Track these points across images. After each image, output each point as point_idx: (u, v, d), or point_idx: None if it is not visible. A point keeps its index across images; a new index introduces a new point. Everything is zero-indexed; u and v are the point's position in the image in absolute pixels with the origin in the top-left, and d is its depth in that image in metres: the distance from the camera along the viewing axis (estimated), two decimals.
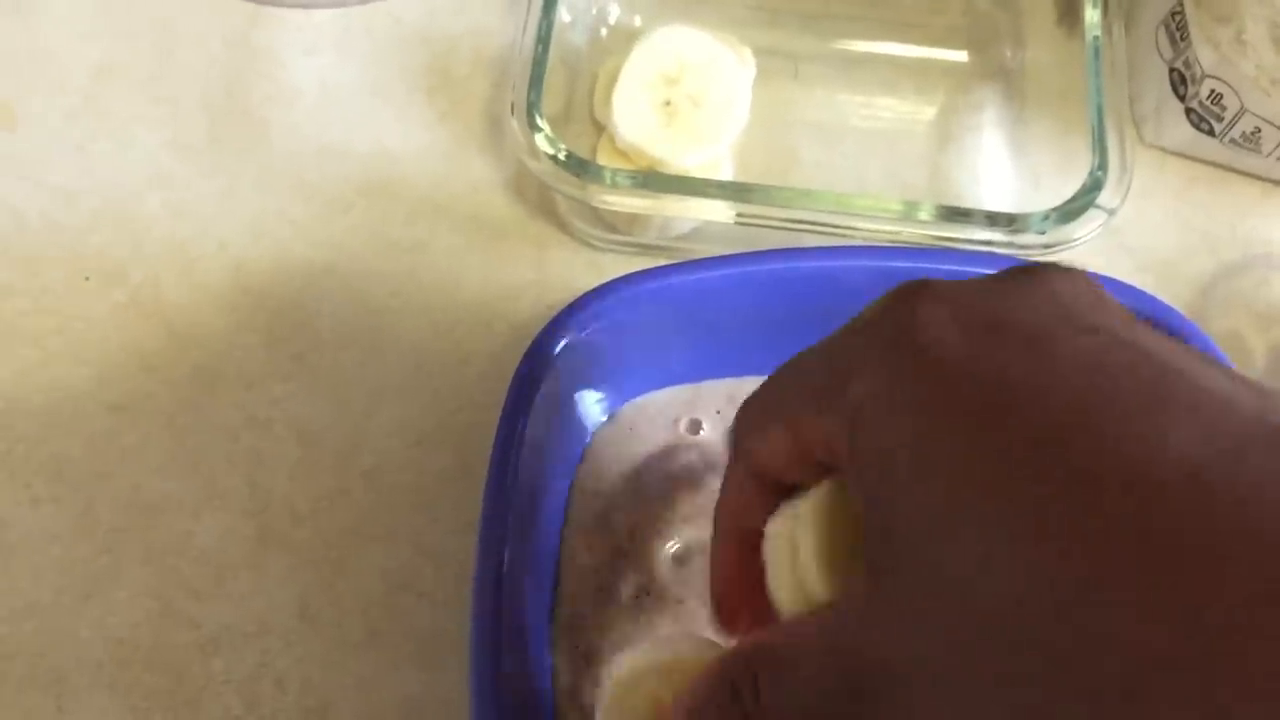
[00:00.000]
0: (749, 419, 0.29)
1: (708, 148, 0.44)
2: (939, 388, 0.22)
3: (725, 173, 0.46)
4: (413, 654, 0.40)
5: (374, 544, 0.41)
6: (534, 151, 0.42)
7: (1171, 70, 0.47)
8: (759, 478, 0.29)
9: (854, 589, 0.24)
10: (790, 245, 0.39)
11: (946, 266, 0.39)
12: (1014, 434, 0.21)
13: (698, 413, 0.41)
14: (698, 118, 0.45)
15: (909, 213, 0.42)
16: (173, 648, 0.39)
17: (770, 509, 0.28)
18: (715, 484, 0.37)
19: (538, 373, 0.36)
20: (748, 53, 0.48)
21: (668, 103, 0.45)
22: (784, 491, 0.28)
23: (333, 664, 0.39)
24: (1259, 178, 0.49)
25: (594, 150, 0.47)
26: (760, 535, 0.28)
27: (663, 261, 0.39)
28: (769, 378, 0.28)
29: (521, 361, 0.37)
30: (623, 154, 0.45)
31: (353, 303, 0.45)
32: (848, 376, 0.24)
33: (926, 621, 0.21)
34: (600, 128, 0.47)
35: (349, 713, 0.39)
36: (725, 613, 0.31)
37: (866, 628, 0.23)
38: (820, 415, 0.25)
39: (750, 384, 0.39)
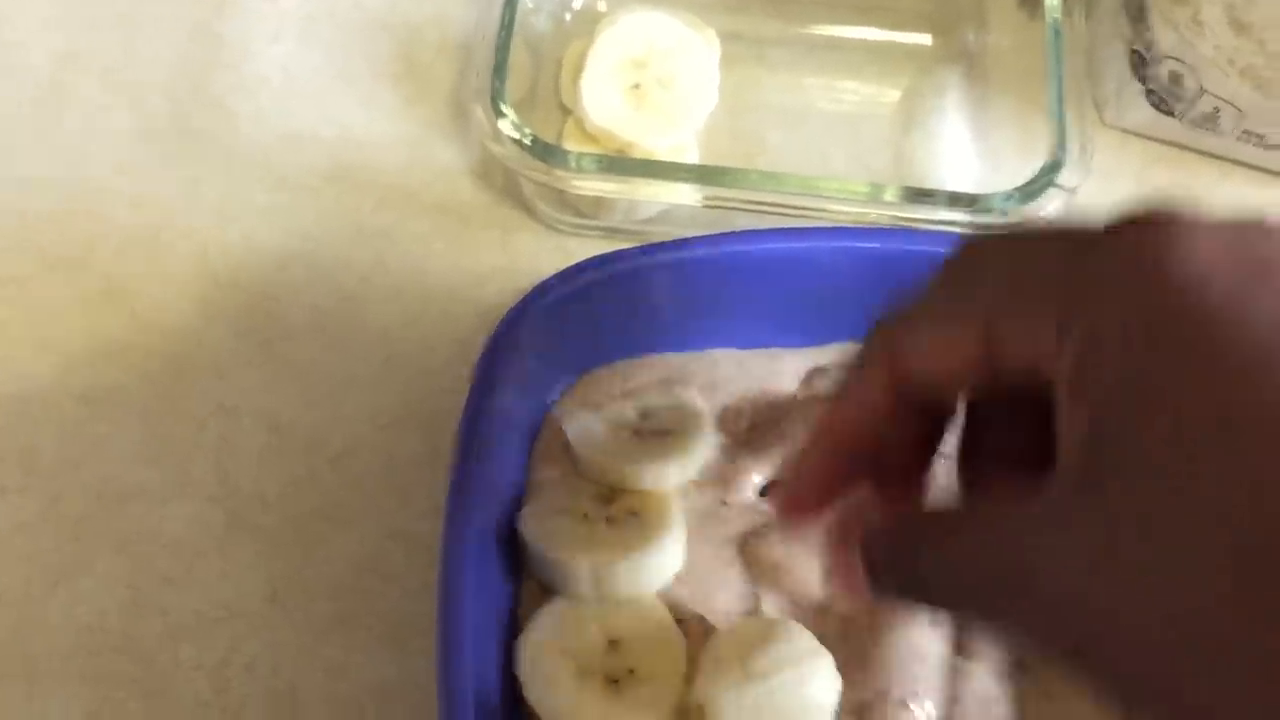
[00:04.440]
0: (909, 320, 0.27)
1: (678, 130, 0.45)
2: (1200, 329, 0.21)
3: (691, 157, 0.46)
4: (383, 638, 0.40)
5: (343, 529, 0.41)
6: (499, 137, 0.42)
7: (1132, 52, 0.48)
8: (899, 383, 0.27)
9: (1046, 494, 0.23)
10: (756, 228, 0.39)
11: (912, 247, 0.39)
12: None
13: (641, 381, 0.41)
14: (667, 101, 0.45)
15: (874, 194, 0.42)
16: (142, 635, 0.39)
17: (898, 425, 0.28)
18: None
19: (502, 357, 0.36)
20: (713, 34, 0.48)
21: (636, 86, 0.46)
22: (917, 409, 0.28)
23: (302, 649, 0.40)
24: (1218, 157, 0.49)
25: (560, 135, 0.47)
26: (875, 446, 0.28)
27: (627, 245, 0.39)
28: (935, 279, 0.27)
29: (486, 347, 0.37)
30: (591, 138, 0.46)
31: (321, 290, 0.46)
32: (1079, 290, 0.23)
33: (1140, 547, 0.21)
34: (567, 112, 0.48)
35: (318, 697, 0.39)
36: (790, 510, 0.30)
37: (1056, 528, 0.22)
38: (1033, 320, 0.24)
39: (698, 357, 0.40)
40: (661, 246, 0.39)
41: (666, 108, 0.45)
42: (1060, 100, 0.43)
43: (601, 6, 0.50)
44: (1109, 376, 0.22)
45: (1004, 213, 0.41)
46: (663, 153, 0.45)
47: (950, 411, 0.29)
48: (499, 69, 0.43)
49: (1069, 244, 0.24)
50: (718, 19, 0.50)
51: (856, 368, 0.29)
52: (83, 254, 0.45)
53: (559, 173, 0.42)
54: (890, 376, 0.28)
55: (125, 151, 0.48)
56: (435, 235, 0.47)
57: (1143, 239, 0.23)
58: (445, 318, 0.45)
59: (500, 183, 0.48)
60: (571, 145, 0.45)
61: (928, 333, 0.27)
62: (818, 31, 0.51)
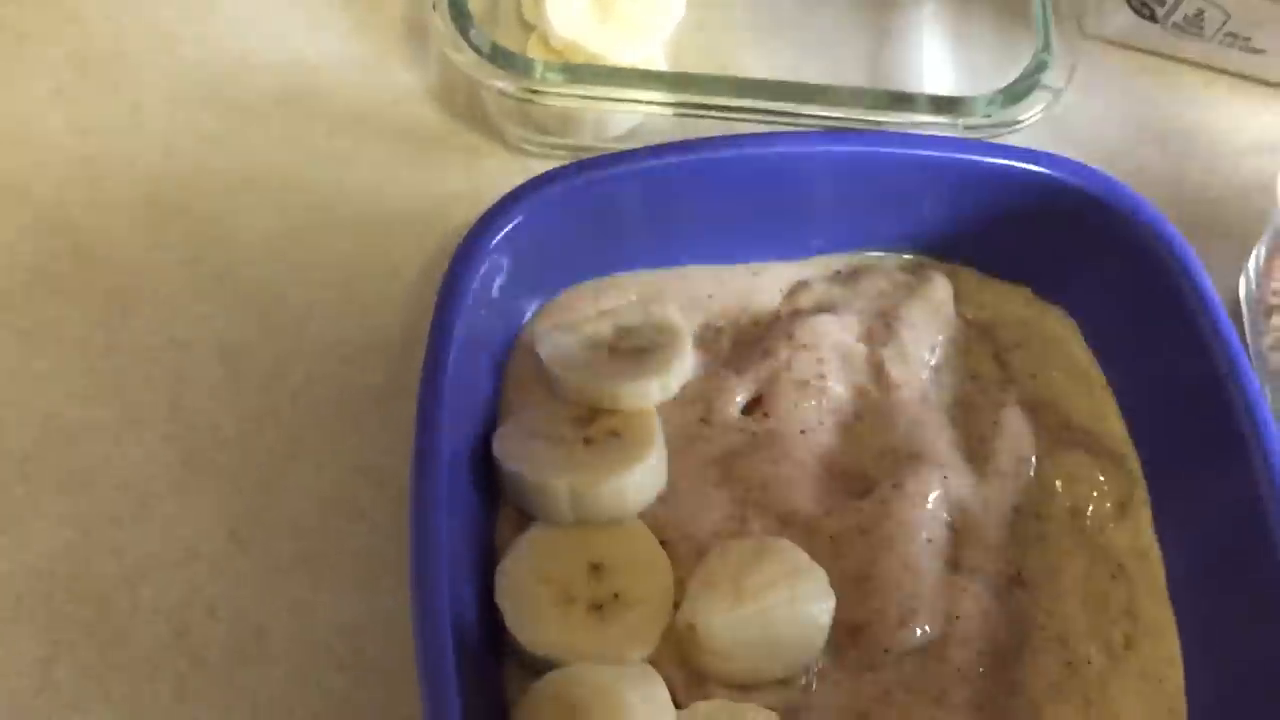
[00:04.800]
0: None
1: (646, 42, 0.43)
2: None
3: (661, 65, 0.44)
4: (352, 576, 0.38)
5: (306, 465, 0.39)
6: (460, 47, 0.40)
7: None
8: None
9: None
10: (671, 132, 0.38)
11: (893, 150, 0.37)
12: None
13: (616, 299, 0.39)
14: (633, 10, 0.43)
15: (854, 99, 0.40)
16: (96, 577, 0.37)
17: None
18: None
19: (467, 276, 0.34)
20: None
21: None
22: None
23: (267, 590, 0.38)
24: (1201, 65, 0.48)
25: (524, 52, 0.45)
26: None
27: None
28: None
29: (450, 266, 0.35)
30: (556, 53, 0.44)
31: (275, 217, 0.43)
32: None
33: None
34: (529, 29, 0.45)
35: (284, 639, 0.37)
36: None
37: None
38: None
39: (675, 274, 0.38)
40: (631, 154, 0.37)
41: (633, 18, 0.43)
42: (1044, 2, 0.42)
43: None
44: None
45: (988, 115, 0.40)
46: (630, 66, 0.43)
47: None
48: None
49: None
50: None
51: None
52: (20, 184, 0.43)
53: (524, 83, 0.40)
54: None
55: (62, 78, 0.45)
56: (395, 160, 0.45)
57: None
58: (409, 244, 0.43)
59: (462, 104, 0.46)
60: None
61: None
62: None
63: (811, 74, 0.47)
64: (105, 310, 0.41)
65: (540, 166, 0.44)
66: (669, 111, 0.40)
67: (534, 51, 0.44)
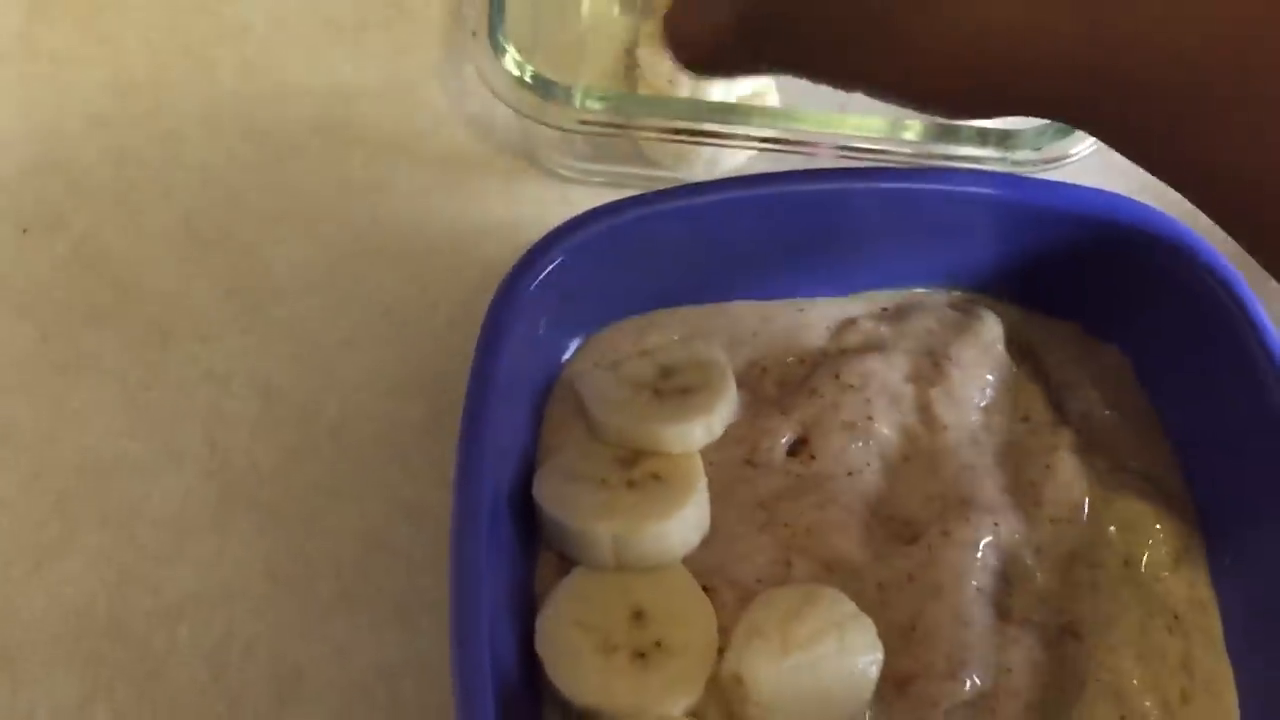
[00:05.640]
0: None
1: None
2: None
3: (772, 100, 0.43)
4: (391, 616, 0.38)
5: (345, 502, 0.39)
6: (500, 76, 0.40)
7: None
8: None
9: None
10: (774, 170, 0.37)
11: (942, 186, 0.37)
12: None
13: (659, 338, 0.39)
14: None
15: (894, 131, 0.39)
16: (133, 617, 0.37)
17: None
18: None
19: (508, 316, 0.34)
20: None
21: None
22: None
23: (305, 629, 0.37)
24: None
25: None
26: None
27: (630, 192, 0.37)
28: None
29: (492, 304, 0.34)
30: (656, 87, 0.43)
31: (312, 249, 0.43)
32: None
33: None
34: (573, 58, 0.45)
35: (322, 679, 0.37)
36: None
37: None
38: None
39: (719, 310, 0.38)
40: (672, 193, 0.36)
41: None
42: None
43: None
44: None
45: (1037, 148, 0.39)
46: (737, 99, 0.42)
47: None
48: (498, 3, 0.40)
49: None
50: None
51: None
52: (56, 215, 0.43)
53: (568, 113, 0.39)
54: None
55: (100, 105, 0.45)
56: (433, 188, 0.44)
57: None
58: (447, 275, 0.43)
59: (500, 132, 0.45)
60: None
61: None
62: None
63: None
64: (144, 343, 0.41)
65: (576, 193, 0.44)
66: (709, 141, 0.40)
67: (644, 88, 0.43)
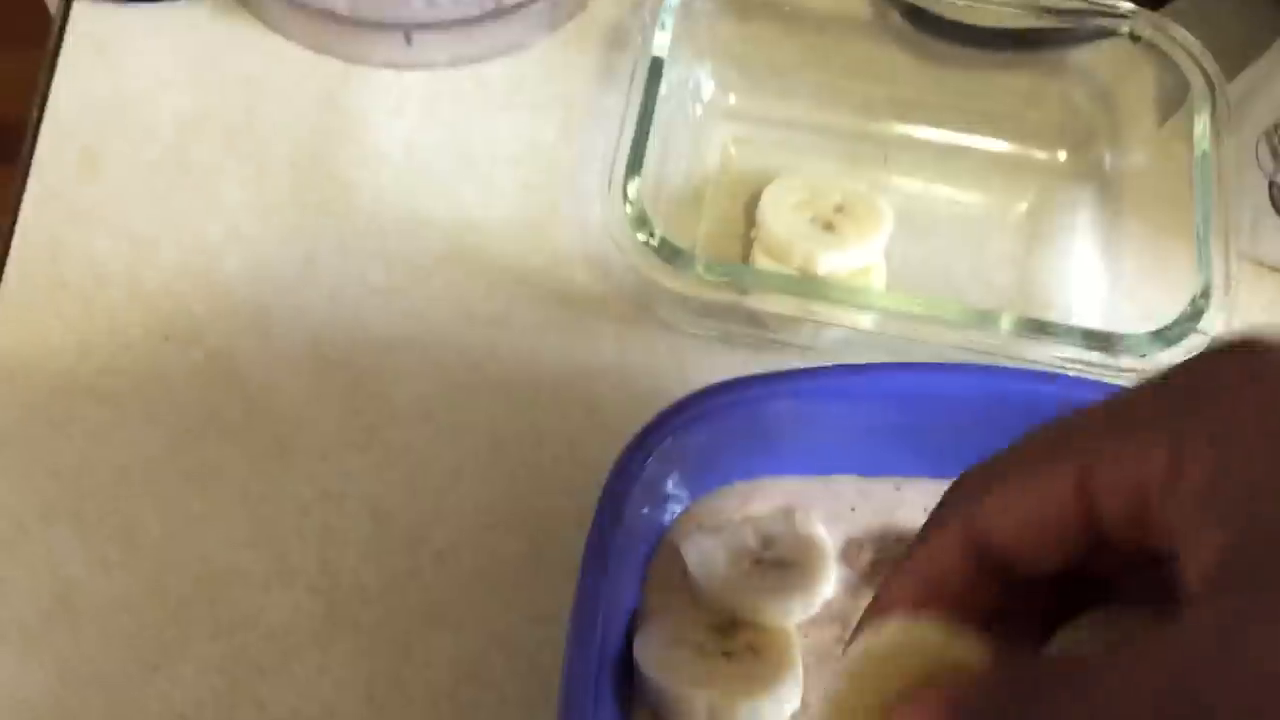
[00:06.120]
0: (985, 481, 0.27)
1: (863, 250, 0.45)
2: None
3: (878, 277, 0.45)
4: None
5: (444, 630, 0.41)
6: (624, 232, 0.42)
7: (1271, 184, 0.47)
8: (977, 550, 0.26)
9: (1193, 619, 0.22)
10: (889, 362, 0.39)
11: (1047, 388, 0.38)
12: None
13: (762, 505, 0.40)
14: (848, 220, 0.45)
15: (986, 322, 0.41)
16: None
17: (978, 587, 0.26)
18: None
19: (626, 488, 0.35)
20: None
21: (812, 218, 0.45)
22: (997, 575, 0.26)
23: None
24: None
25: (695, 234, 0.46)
26: (945, 605, 0.26)
27: (745, 350, 0.38)
28: (1023, 437, 0.27)
29: (610, 479, 0.36)
30: (774, 258, 0.45)
31: (430, 376, 0.45)
32: (1191, 407, 0.23)
33: None
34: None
35: None
36: None
37: (1224, 650, 0.21)
38: (1140, 451, 0.24)
39: (820, 483, 0.39)
40: (790, 375, 0.38)
41: (849, 227, 0.45)
42: (1206, 238, 0.42)
43: (731, 100, 0.50)
44: (1252, 481, 0.22)
45: (1142, 355, 0.40)
46: (845, 274, 0.45)
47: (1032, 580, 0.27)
48: (633, 164, 0.42)
49: (1164, 379, 0.25)
50: (842, 118, 0.49)
51: (931, 526, 0.27)
52: (195, 326, 0.45)
53: (686, 278, 0.41)
54: (965, 540, 0.26)
55: (241, 222, 0.47)
56: (549, 325, 0.46)
57: (1250, 356, 0.24)
58: (554, 413, 0.44)
59: (617, 275, 0.47)
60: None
61: (1016, 486, 0.26)
62: (944, 138, 0.50)
63: (961, 269, 0.48)
64: (265, 459, 0.43)
65: (686, 345, 0.46)
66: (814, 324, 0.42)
67: (760, 259, 0.45)
